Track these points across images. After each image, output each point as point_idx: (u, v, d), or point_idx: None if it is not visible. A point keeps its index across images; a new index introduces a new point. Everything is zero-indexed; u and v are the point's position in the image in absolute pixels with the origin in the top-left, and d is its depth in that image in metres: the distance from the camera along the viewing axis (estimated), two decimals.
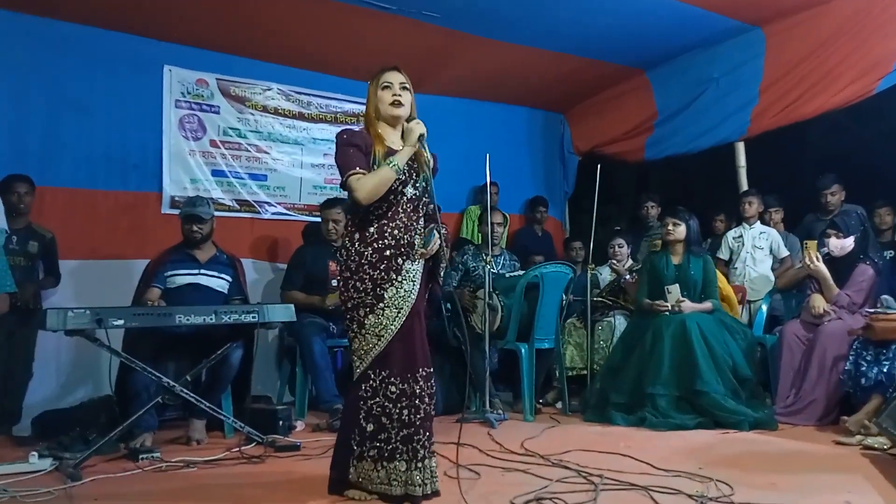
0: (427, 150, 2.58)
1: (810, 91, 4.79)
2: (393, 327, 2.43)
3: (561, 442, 3.37)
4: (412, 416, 2.43)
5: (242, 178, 5.06)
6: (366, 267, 2.43)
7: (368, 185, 2.40)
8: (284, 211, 5.24)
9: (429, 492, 2.43)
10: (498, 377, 4.48)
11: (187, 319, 3.28)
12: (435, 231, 2.52)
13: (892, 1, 4.32)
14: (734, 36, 5.12)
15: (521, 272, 4.48)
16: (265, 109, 5.17)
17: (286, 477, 2.89)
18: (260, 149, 5.14)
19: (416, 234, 2.51)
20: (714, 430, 3.62)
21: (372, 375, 2.44)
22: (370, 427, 2.42)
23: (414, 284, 2.49)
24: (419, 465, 2.42)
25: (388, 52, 4.88)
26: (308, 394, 4.33)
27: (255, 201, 5.10)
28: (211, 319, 3.33)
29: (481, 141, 5.48)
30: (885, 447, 3.03)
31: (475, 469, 2.88)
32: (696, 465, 2.85)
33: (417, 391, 2.45)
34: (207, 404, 3.48)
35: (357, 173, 2.41)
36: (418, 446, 2.43)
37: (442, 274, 2.63)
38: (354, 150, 2.46)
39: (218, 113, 4.97)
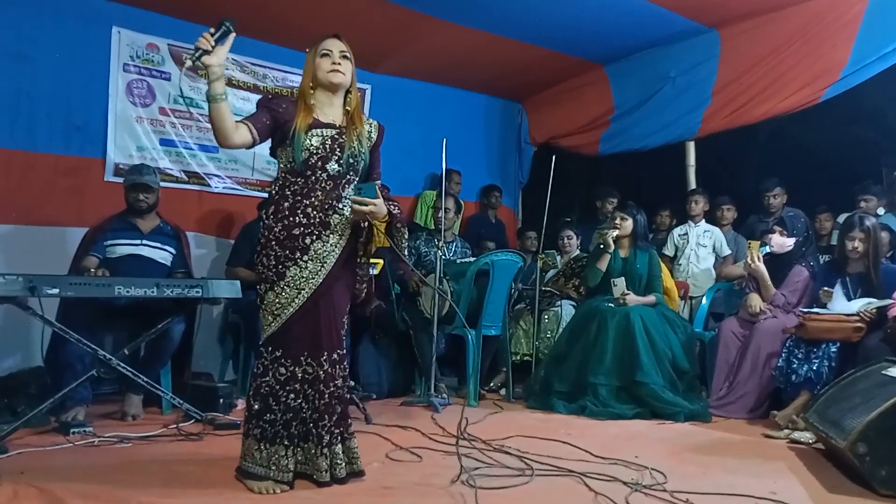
0: (365, 122, 2.50)
1: (760, 96, 4.92)
2: (291, 308, 2.34)
3: (503, 427, 3.40)
4: (304, 402, 2.37)
5: (192, 149, 4.91)
6: (273, 243, 2.36)
7: (212, 124, 2.30)
8: (235, 185, 5.11)
9: (342, 475, 2.38)
10: (444, 362, 4.50)
11: (127, 291, 3.17)
12: (376, 186, 2.36)
13: (842, 12, 4.47)
14: (691, 36, 5.22)
15: (472, 258, 4.50)
16: None
17: (224, 455, 2.83)
18: None
19: (333, 213, 2.39)
20: (651, 421, 3.72)
21: (265, 353, 2.39)
22: (256, 406, 2.38)
23: (322, 265, 2.37)
24: (324, 450, 2.36)
25: (349, 29, 4.73)
26: (251, 371, 4.25)
27: (204, 173, 4.96)
28: (152, 292, 3.23)
29: (439, 125, 5.45)
30: (811, 441, 3.17)
31: (417, 452, 2.89)
32: (633, 453, 2.92)
33: (321, 375, 2.37)
34: (145, 379, 3.38)
35: (240, 121, 2.33)
36: (323, 432, 2.36)
37: (403, 246, 2.49)
38: (262, 111, 2.39)
39: (169, 80, 4.79)
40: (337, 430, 2.40)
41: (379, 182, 2.51)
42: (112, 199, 4.06)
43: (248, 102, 5.13)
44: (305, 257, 2.36)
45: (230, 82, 5.04)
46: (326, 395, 2.38)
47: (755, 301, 4.02)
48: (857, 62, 4.39)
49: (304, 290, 2.36)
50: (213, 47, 2.24)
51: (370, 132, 2.52)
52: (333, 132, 2.42)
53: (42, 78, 4.29)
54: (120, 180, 4.11)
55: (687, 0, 4.66)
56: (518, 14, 4.81)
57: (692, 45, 5.27)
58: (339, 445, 2.41)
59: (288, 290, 2.34)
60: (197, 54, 2.24)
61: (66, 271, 3.69)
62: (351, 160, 2.43)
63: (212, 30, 2.27)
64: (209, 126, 4.99)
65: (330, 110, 2.46)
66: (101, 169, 4.52)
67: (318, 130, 2.39)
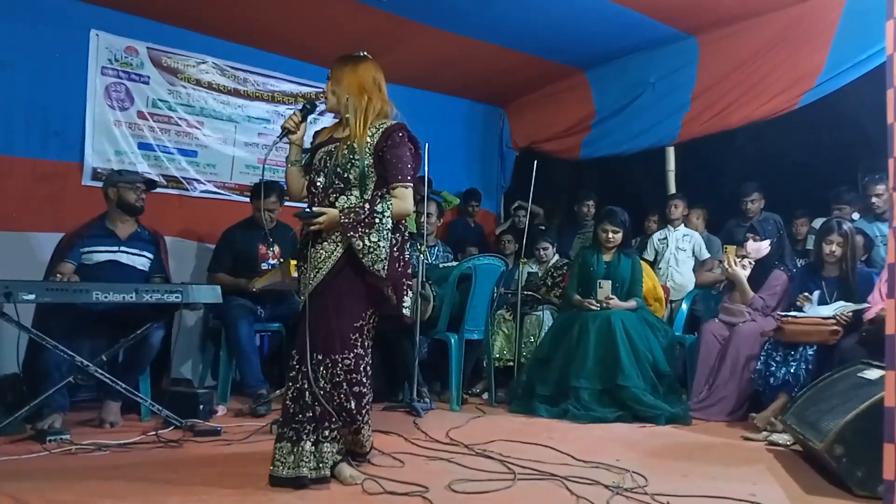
0: (370, 128, 2.53)
1: (738, 101, 4.98)
2: (298, 309, 2.59)
3: (486, 432, 3.41)
4: (297, 399, 2.45)
5: (171, 153, 4.86)
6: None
7: (285, 181, 2.72)
8: (214, 189, 5.07)
9: (303, 474, 2.39)
10: (427, 367, 4.49)
11: (105, 297, 3.13)
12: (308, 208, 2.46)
13: (818, 19, 4.54)
14: (670, 43, 5.28)
15: (454, 263, 4.50)
16: (199, 83, 4.98)
17: (204, 462, 2.81)
18: (191, 123, 4.94)
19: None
20: (632, 424, 3.74)
21: (294, 356, 2.53)
22: (292, 408, 2.50)
23: (317, 272, 2.48)
24: (300, 447, 2.41)
25: (331, 34, 4.81)
26: (232, 378, 4.23)
27: (183, 178, 4.91)
28: (131, 298, 3.20)
29: (421, 130, 5.41)
30: (789, 443, 3.20)
31: (399, 457, 2.88)
32: (614, 456, 2.94)
33: (310, 374, 2.42)
34: (123, 385, 3.34)
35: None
36: (308, 428, 2.43)
37: (373, 264, 2.42)
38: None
39: (147, 83, 4.75)
40: (310, 427, 2.43)
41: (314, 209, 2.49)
42: (90, 203, 4.01)
43: (227, 106, 5.11)
44: (305, 264, 2.54)
45: (210, 85, 5.02)
46: (308, 396, 2.44)
47: (731, 253, 4.09)
48: (833, 69, 4.46)
49: (304, 295, 2.52)
50: (297, 126, 2.57)
51: (373, 136, 2.51)
52: (332, 147, 2.54)
53: (19, 81, 4.23)
54: (98, 184, 4.06)
55: (666, 7, 4.71)
56: (500, 19, 4.84)
57: (671, 51, 5.33)
58: (322, 445, 2.43)
59: (300, 295, 2.60)
60: (283, 133, 2.57)
61: (41, 278, 3.63)
62: (337, 169, 2.49)
63: (297, 112, 2.59)
64: (189, 130, 5.05)
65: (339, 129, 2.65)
66: (79, 173, 4.46)
67: (325, 147, 2.57)
